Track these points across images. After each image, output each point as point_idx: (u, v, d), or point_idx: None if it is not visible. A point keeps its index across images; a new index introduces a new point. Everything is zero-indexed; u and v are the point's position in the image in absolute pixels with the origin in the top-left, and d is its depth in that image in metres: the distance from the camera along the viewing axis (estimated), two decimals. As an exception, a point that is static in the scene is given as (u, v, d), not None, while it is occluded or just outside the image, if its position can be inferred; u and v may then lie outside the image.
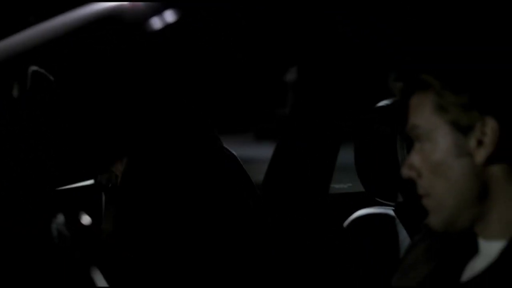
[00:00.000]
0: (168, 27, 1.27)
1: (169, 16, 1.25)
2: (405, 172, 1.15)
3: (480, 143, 1.05)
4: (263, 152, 2.22)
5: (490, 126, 1.04)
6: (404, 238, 1.77)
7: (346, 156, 2.03)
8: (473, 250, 1.13)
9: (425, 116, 1.10)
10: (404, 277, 1.28)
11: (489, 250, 1.09)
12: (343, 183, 2.56)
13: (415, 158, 1.13)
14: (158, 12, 1.27)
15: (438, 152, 1.09)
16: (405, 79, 1.15)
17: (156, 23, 1.23)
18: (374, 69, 2.09)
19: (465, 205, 1.09)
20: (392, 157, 1.73)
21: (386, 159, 1.76)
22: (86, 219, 1.48)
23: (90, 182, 2.51)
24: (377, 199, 1.87)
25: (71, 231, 1.34)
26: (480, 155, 1.05)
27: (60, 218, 1.42)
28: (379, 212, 1.89)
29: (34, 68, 1.01)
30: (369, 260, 1.68)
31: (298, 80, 2.39)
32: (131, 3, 1.18)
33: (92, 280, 1.05)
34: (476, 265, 1.11)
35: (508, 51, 1.07)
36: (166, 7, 1.29)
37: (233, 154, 1.87)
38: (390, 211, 1.85)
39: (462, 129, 1.07)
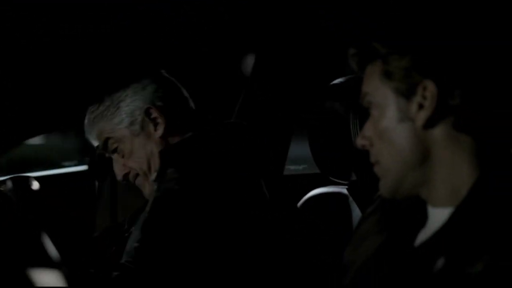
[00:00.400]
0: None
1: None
2: (359, 142, 1.18)
3: (420, 107, 1.08)
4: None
5: (429, 90, 1.07)
6: (357, 215, 1.79)
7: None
8: (424, 219, 1.15)
9: (374, 83, 1.14)
10: (355, 249, 1.29)
11: (438, 217, 1.11)
12: (298, 164, 2.58)
13: (368, 127, 1.16)
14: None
15: (384, 118, 1.12)
16: (359, 52, 1.17)
17: None
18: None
19: (408, 169, 1.12)
20: (345, 135, 1.74)
21: (339, 137, 1.77)
22: (35, 185, 1.45)
23: (83, 168, 2.45)
24: (331, 178, 1.88)
25: (18, 196, 1.32)
26: (420, 119, 1.08)
27: (9, 183, 1.40)
28: (333, 191, 1.90)
29: None
30: (323, 238, 1.68)
31: (253, 74, 2.40)
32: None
33: (41, 245, 1.04)
34: (426, 233, 1.13)
35: (450, 17, 1.10)
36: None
37: None
38: (343, 189, 1.86)
39: (405, 94, 1.09)
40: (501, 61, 1.09)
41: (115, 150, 1.75)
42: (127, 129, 1.72)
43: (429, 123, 1.08)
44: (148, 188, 1.74)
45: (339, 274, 1.29)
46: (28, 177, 1.53)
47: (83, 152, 2.70)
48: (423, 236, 1.13)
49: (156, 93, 1.72)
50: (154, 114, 1.71)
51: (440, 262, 1.04)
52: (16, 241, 1.05)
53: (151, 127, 1.72)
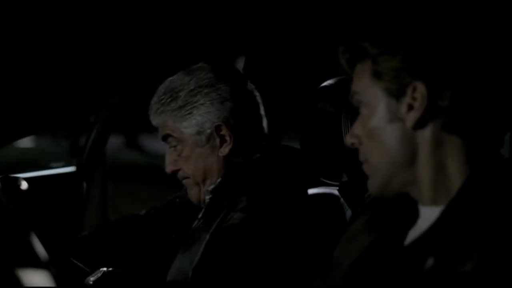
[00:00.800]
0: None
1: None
2: (348, 140, 1.18)
3: (410, 108, 1.09)
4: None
5: (419, 91, 1.07)
6: (348, 216, 1.79)
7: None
8: (415, 218, 1.16)
9: (363, 83, 1.14)
10: (346, 248, 1.30)
11: (428, 215, 1.11)
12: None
13: (357, 126, 1.17)
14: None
15: (374, 118, 1.13)
16: (349, 50, 1.17)
17: None
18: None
19: (397, 169, 1.12)
20: (336, 136, 1.74)
21: (330, 138, 1.77)
22: (24, 185, 1.45)
23: (71, 169, 2.44)
24: (322, 179, 1.88)
25: (8, 196, 1.32)
26: (410, 120, 1.09)
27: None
28: (324, 192, 1.90)
29: None
30: (323, 238, 1.67)
31: (250, 74, 2.40)
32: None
33: (30, 244, 1.03)
34: (416, 231, 1.13)
35: (441, 18, 1.10)
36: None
37: None
38: (334, 190, 1.86)
39: (395, 95, 1.10)
40: (491, 62, 1.09)
41: (173, 146, 1.70)
42: (192, 136, 1.67)
43: (419, 124, 1.09)
44: (196, 194, 1.71)
45: (329, 272, 1.29)
46: (17, 177, 1.53)
47: (71, 154, 2.70)
48: (413, 234, 1.14)
49: (233, 111, 1.65)
50: (224, 132, 1.65)
51: (430, 261, 1.05)
52: (5, 240, 1.04)
53: (217, 142, 1.66)
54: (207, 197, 1.68)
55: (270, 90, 2.40)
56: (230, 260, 1.52)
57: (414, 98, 1.08)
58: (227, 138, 1.66)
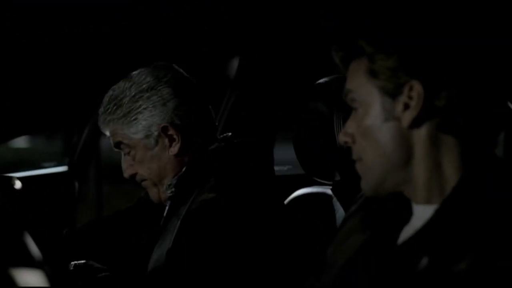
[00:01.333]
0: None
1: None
2: (341, 138, 1.18)
3: (406, 107, 1.09)
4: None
5: (416, 90, 1.08)
6: (341, 215, 1.79)
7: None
8: (409, 216, 1.16)
9: (358, 81, 1.14)
10: (338, 248, 1.30)
11: (423, 213, 1.11)
12: (282, 165, 2.57)
13: (350, 124, 1.17)
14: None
15: (368, 116, 1.13)
16: (343, 47, 1.18)
17: None
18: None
19: (391, 168, 1.12)
20: (329, 136, 1.75)
21: (323, 138, 1.77)
22: (18, 184, 1.45)
23: (63, 169, 2.44)
24: (316, 178, 1.88)
25: (1, 196, 1.32)
26: (406, 119, 1.09)
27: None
28: (317, 191, 1.90)
29: None
30: (321, 238, 1.68)
31: (237, 75, 2.41)
32: None
33: (24, 244, 1.04)
34: (409, 230, 1.14)
35: (438, 18, 1.11)
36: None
37: None
38: (327, 190, 1.86)
39: (391, 94, 1.10)
40: (488, 62, 1.10)
41: (126, 152, 1.75)
42: (141, 140, 1.71)
43: (415, 123, 1.09)
44: (156, 194, 1.75)
45: (322, 272, 1.29)
46: (11, 177, 1.53)
47: (66, 154, 2.69)
48: (406, 233, 1.14)
49: (176, 110, 1.69)
50: (171, 132, 1.69)
51: (424, 260, 1.05)
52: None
53: (166, 142, 1.70)
54: (169, 192, 1.71)
55: (270, 90, 2.40)
56: (201, 239, 1.56)
57: (410, 97, 1.08)
58: (175, 137, 1.70)
